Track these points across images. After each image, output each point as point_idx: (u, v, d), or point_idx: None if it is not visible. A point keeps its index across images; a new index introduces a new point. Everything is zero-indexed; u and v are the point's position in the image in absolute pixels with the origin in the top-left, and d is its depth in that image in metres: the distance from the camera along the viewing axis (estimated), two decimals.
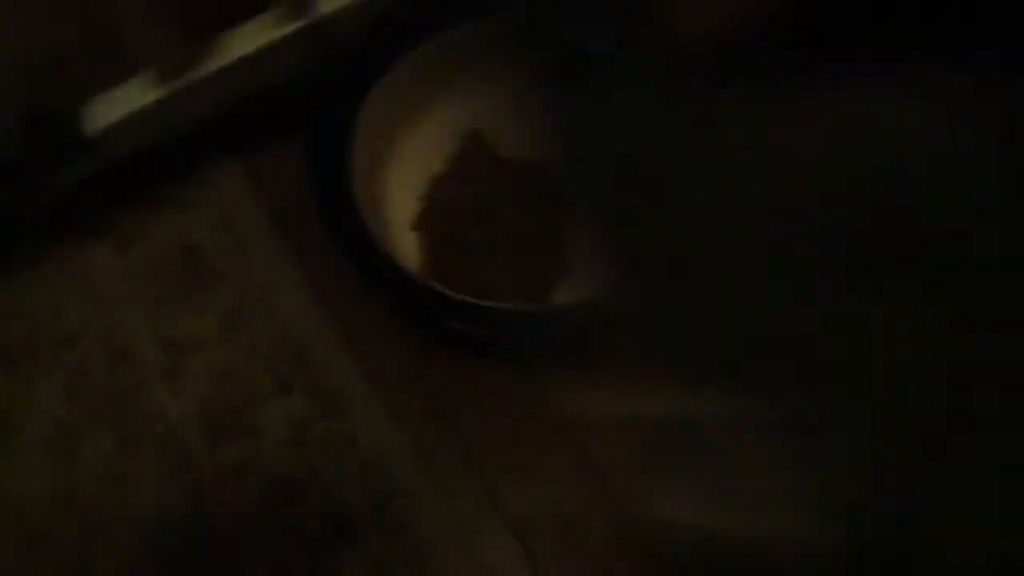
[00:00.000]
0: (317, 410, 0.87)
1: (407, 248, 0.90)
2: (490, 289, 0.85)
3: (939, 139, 0.44)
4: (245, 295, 0.90)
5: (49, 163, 0.78)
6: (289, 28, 0.86)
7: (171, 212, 0.93)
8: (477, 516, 0.82)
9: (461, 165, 0.94)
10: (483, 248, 0.90)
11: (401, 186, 0.93)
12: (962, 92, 0.42)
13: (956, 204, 0.43)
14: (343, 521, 0.83)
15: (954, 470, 0.42)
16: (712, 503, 0.57)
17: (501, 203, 0.91)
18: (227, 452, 0.86)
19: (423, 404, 0.86)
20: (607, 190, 0.61)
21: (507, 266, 0.89)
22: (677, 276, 0.54)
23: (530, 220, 0.91)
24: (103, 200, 0.90)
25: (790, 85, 0.45)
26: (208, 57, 0.82)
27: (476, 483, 0.84)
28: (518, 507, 0.82)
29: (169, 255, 0.92)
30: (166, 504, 0.84)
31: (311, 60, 0.86)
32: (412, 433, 0.85)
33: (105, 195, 0.89)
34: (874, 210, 0.44)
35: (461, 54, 0.92)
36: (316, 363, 0.88)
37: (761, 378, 0.49)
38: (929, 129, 0.44)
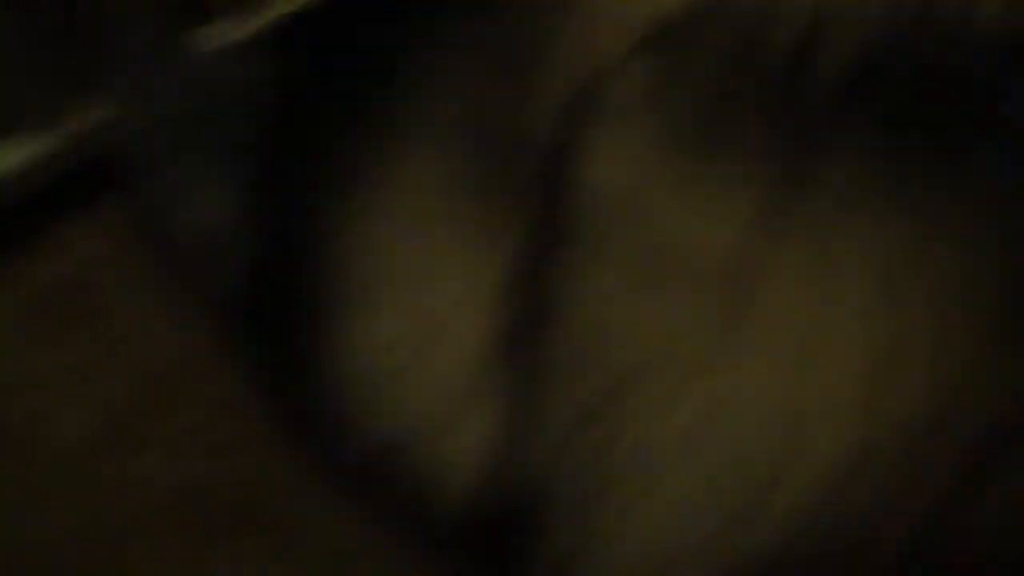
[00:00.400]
0: (206, 419, 0.95)
1: None
2: None
3: None
4: (124, 324, 0.99)
5: None
6: None
7: (36, 260, 1.01)
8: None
9: None
10: None
11: None
12: None
13: None
14: (224, 520, 0.92)
15: None
16: None
17: None
18: (119, 469, 0.94)
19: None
20: None
21: None
22: None
23: None
24: None
25: None
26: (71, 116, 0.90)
27: None
28: None
29: (43, 296, 1.00)
30: (65, 523, 0.92)
31: None
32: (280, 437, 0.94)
33: None
34: None
35: None
36: (195, 378, 0.97)
37: None
38: None
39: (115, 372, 0.97)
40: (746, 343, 0.51)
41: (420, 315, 0.62)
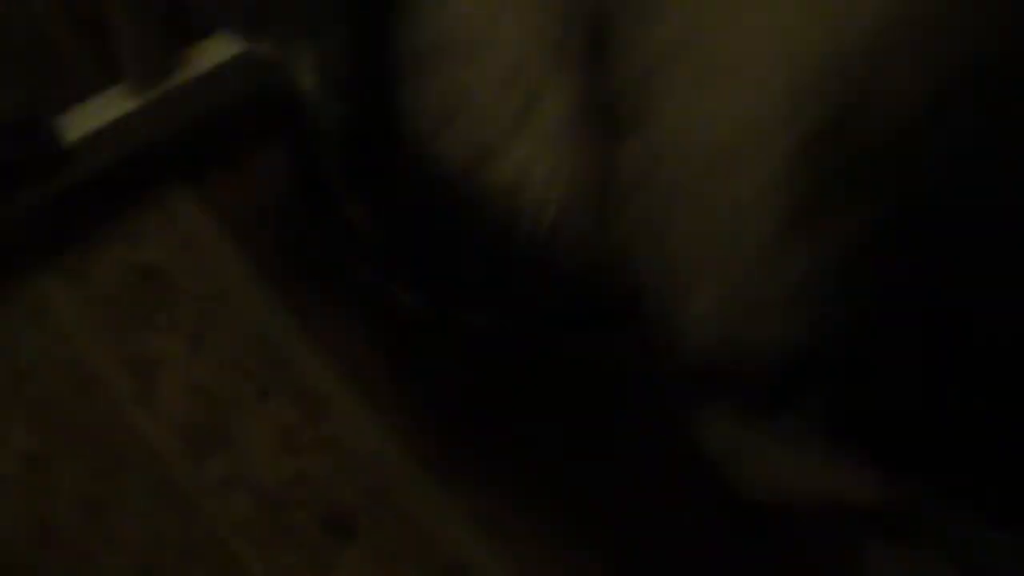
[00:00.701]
0: (300, 415, 0.86)
1: None
2: None
3: None
4: (210, 311, 0.89)
5: (26, 175, 0.77)
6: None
7: (124, 239, 0.91)
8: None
9: None
10: None
11: None
12: None
13: None
14: (340, 519, 0.83)
15: None
16: None
17: None
18: (213, 466, 0.84)
19: (406, 398, 0.87)
20: None
21: None
22: None
23: None
24: (62, 224, 0.88)
25: None
26: (181, 68, 0.82)
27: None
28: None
29: (127, 280, 0.90)
30: (155, 525, 0.82)
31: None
32: (398, 427, 0.86)
33: (65, 218, 0.88)
34: None
35: None
36: (293, 369, 0.88)
37: None
38: None
39: (209, 359, 0.87)
40: None
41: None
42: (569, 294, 0.60)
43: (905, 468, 0.52)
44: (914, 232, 0.45)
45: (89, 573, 0.80)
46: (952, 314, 0.46)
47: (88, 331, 0.88)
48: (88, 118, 0.80)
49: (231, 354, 0.88)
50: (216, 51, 0.86)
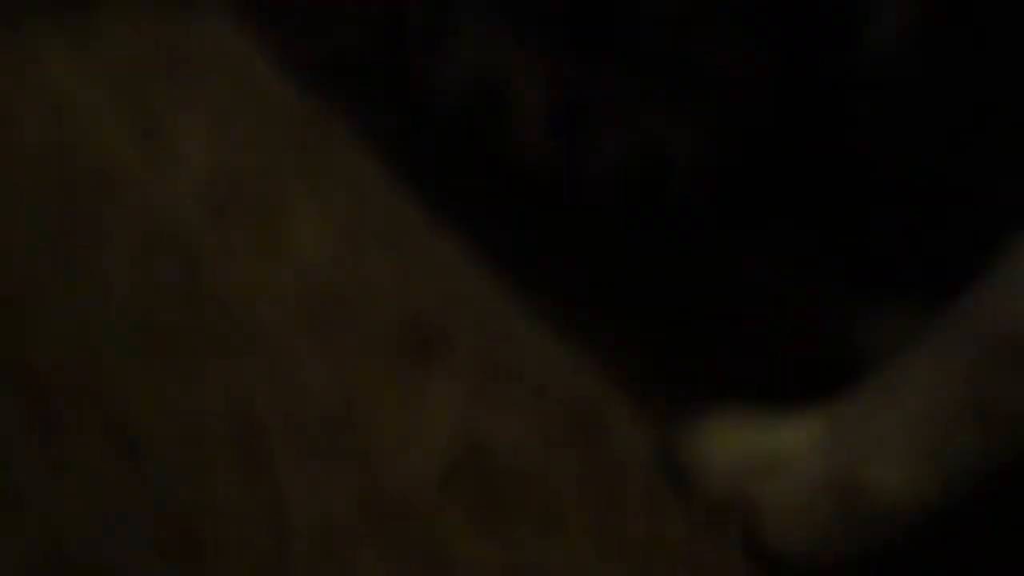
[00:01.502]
0: (360, 211, 0.63)
1: None
2: None
3: None
4: (237, 92, 0.68)
5: None
6: None
7: (137, 8, 0.70)
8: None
9: None
10: None
11: None
12: None
13: None
14: (426, 336, 0.59)
15: None
16: None
17: None
18: (237, 235, 0.60)
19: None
20: None
21: None
22: None
23: None
24: None
25: None
26: None
27: None
28: None
29: (139, 46, 0.68)
30: (156, 281, 0.56)
31: None
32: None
33: None
34: None
35: None
36: (345, 164, 0.66)
37: None
38: None
39: (237, 137, 0.65)
40: None
41: None
42: None
43: None
44: None
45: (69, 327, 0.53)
46: None
47: (81, 83, 0.65)
48: None
49: (266, 137, 0.66)
50: None
